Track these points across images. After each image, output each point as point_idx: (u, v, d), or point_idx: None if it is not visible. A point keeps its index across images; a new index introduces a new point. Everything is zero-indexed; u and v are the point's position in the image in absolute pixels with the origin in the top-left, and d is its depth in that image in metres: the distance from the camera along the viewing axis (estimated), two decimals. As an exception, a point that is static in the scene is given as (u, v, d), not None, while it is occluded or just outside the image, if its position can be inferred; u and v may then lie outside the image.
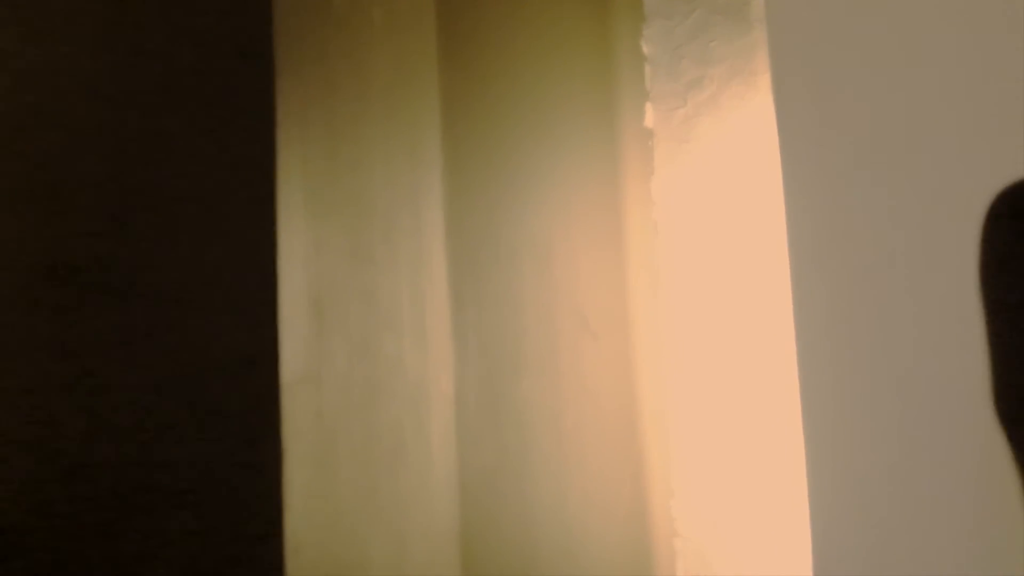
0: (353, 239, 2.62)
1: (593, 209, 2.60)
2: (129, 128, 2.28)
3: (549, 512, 2.54)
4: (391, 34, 2.74)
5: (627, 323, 2.56)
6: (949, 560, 2.01)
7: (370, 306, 2.58)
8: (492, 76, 2.71)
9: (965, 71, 2.11)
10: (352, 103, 2.70)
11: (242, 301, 2.35)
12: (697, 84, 2.40)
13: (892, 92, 2.17)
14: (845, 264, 2.17)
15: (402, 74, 2.73)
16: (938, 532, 2.04)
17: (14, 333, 2.20)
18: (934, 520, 2.04)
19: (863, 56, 2.20)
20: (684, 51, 2.43)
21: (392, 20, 2.75)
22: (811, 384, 2.14)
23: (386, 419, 2.55)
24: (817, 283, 2.17)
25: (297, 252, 2.60)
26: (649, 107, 2.46)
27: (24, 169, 2.24)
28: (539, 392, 2.57)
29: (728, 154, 2.35)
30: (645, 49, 2.48)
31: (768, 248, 2.27)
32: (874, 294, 2.15)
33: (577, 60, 2.67)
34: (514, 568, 2.53)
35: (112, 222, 2.27)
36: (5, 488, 2.15)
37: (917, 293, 2.02)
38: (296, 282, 2.58)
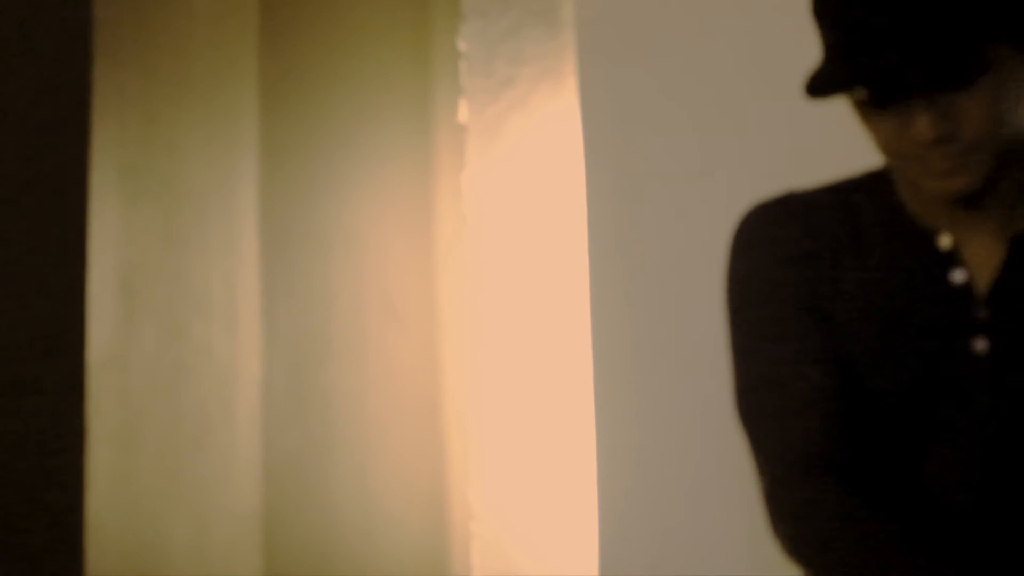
0: (165, 222, 2.62)
1: (404, 199, 2.65)
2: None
3: (351, 495, 2.57)
4: (212, 19, 2.74)
5: (433, 312, 2.60)
6: (728, 543, 2.11)
7: (180, 289, 2.59)
8: (311, 65, 2.73)
9: (757, 82, 2.22)
10: (170, 87, 2.70)
11: (51, 281, 2.33)
12: (509, 82, 2.46)
13: (691, 99, 2.26)
14: (642, 260, 2.25)
15: (222, 60, 2.73)
16: (717, 517, 2.13)
17: None
18: (714, 504, 2.14)
19: (666, 63, 2.28)
20: (498, 50, 2.49)
21: (214, 5, 2.75)
22: (605, 376, 2.21)
23: (192, 402, 2.56)
24: (614, 278, 2.25)
25: (108, 234, 2.59)
26: (463, 103, 2.51)
27: None
28: (345, 378, 2.60)
29: (536, 151, 2.41)
30: (461, 46, 2.53)
31: (570, 243, 2.34)
32: (669, 288, 2.24)
33: (395, 53, 2.71)
34: (315, 550, 2.56)
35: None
36: None
37: (711, 289, 2.10)
38: (106, 264, 2.57)
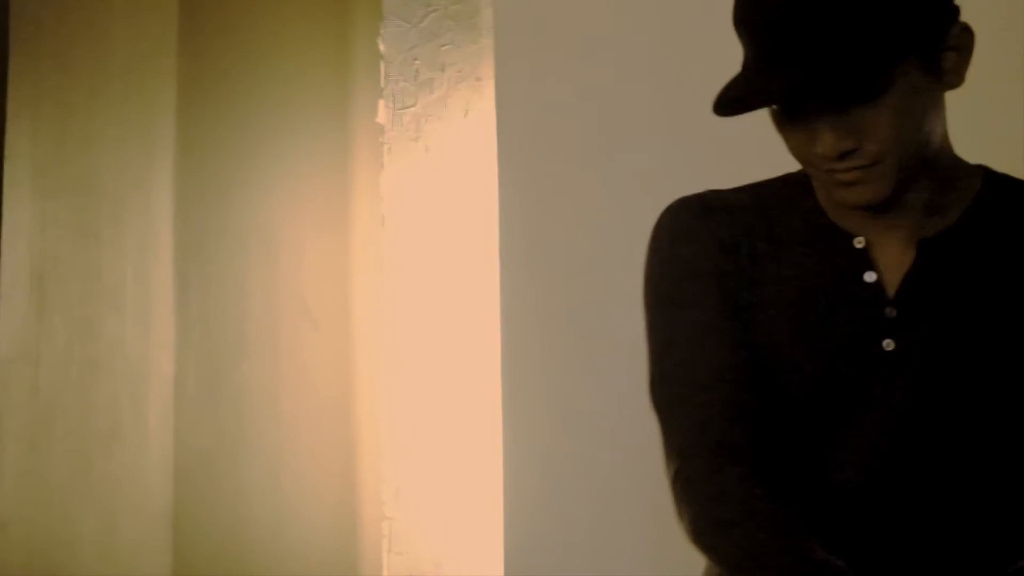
0: (80, 217, 2.61)
1: (321, 200, 2.65)
2: None
3: (262, 494, 2.57)
4: (131, 16, 2.73)
5: (348, 312, 2.61)
6: (633, 545, 2.14)
7: (93, 285, 2.57)
8: (230, 63, 2.73)
9: (672, 89, 2.25)
10: (87, 81, 2.68)
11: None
12: (428, 85, 2.48)
13: (606, 105, 2.29)
14: (552, 263, 2.27)
15: (140, 55, 2.72)
16: (622, 519, 2.16)
17: None
18: (619, 506, 2.17)
19: (582, 70, 2.31)
20: (418, 53, 2.50)
21: (133, 1, 2.74)
22: (513, 378, 2.24)
23: (103, 398, 2.54)
24: (525, 281, 2.27)
25: (21, 228, 2.58)
26: (382, 104, 2.52)
27: None
28: (258, 376, 2.60)
29: (454, 153, 2.43)
30: (381, 48, 2.54)
31: (485, 246, 2.36)
32: (578, 292, 2.26)
33: (315, 54, 2.72)
34: (225, 548, 2.56)
35: None
36: None
37: (621, 292, 2.13)
38: (18, 258, 2.56)
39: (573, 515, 2.18)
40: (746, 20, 1.35)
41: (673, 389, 1.43)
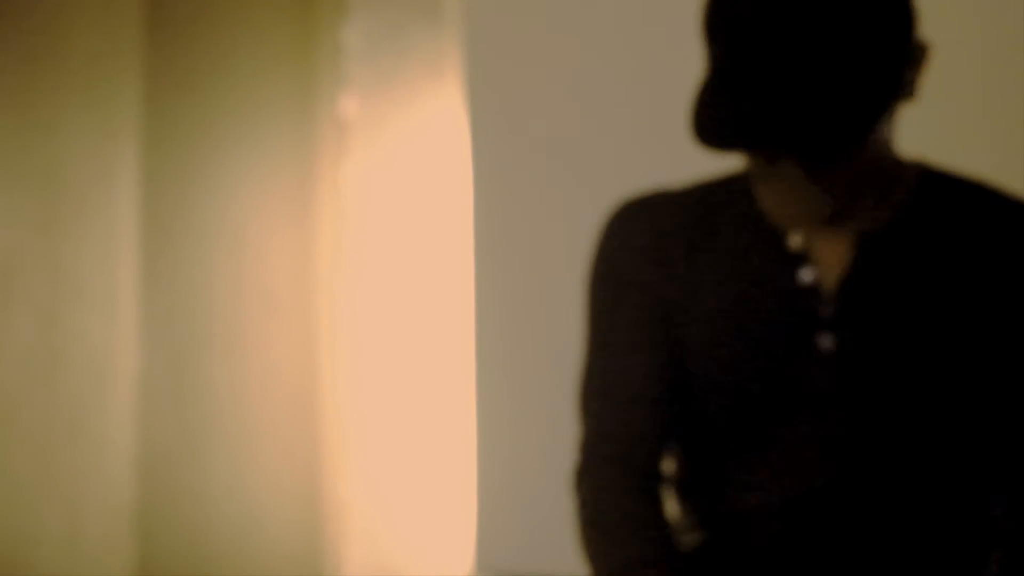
0: (43, 210, 2.59)
1: (286, 192, 2.64)
2: None
3: (227, 489, 2.56)
4: (95, 6, 2.72)
5: (312, 307, 2.60)
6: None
7: (57, 278, 2.56)
8: (195, 56, 2.72)
9: (643, 76, 2.26)
10: (50, 72, 2.67)
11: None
12: (393, 77, 2.47)
13: (576, 94, 2.29)
14: (528, 258, 2.28)
15: (103, 47, 2.71)
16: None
17: None
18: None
19: (552, 60, 2.32)
20: (383, 45, 2.50)
21: (98, -9, 2.73)
22: (487, 372, 2.24)
23: (67, 391, 2.53)
24: (497, 273, 2.27)
25: (-17, 220, 2.56)
26: (346, 97, 2.51)
27: None
28: (223, 371, 2.59)
29: (418, 145, 2.43)
30: (346, 40, 2.53)
31: (453, 239, 2.36)
32: (553, 287, 2.27)
33: (279, 46, 2.71)
34: (189, 543, 2.55)
35: None
36: None
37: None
38: (-20, 250, 2.54)
39: (548, 509, 2.18)
40: (719, 25, 1.33)
41: (589, 391, 1.46)
